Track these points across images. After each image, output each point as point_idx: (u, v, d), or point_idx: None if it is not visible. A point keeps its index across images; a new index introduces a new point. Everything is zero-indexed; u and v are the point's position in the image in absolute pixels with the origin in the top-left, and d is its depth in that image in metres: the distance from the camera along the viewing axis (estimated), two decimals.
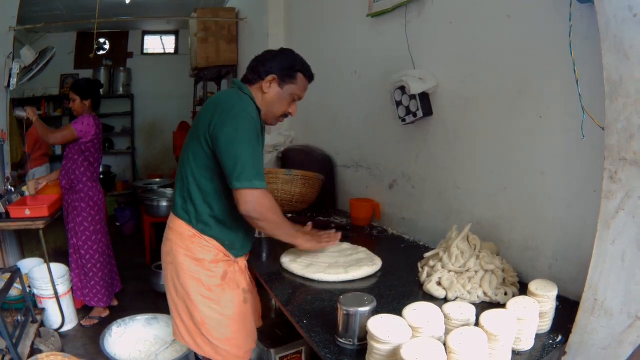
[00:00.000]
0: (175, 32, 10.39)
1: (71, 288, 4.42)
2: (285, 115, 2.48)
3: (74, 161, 4.39)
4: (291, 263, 2.43)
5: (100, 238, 4.55)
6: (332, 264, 2.41)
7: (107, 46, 9.79)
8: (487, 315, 1.59)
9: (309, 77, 2.48)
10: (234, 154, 2.13)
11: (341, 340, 1.69)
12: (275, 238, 2.38)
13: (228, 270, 2.37)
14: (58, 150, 8.96)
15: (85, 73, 9.21)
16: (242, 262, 2.49)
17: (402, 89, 2.83)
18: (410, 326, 1.54)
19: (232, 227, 2.37)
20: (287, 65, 2.39)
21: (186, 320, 2.37)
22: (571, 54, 1.80)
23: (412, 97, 2.78)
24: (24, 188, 4.56)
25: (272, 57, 2.40)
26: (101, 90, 4.95)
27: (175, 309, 2.41)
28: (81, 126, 4.28)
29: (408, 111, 2.86)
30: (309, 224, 2.72)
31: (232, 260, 2.41)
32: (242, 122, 2.18)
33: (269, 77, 2.35)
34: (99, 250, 4.53)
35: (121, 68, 9.94)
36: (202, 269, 2.32)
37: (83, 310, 4.58)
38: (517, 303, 1.71)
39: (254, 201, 2.15)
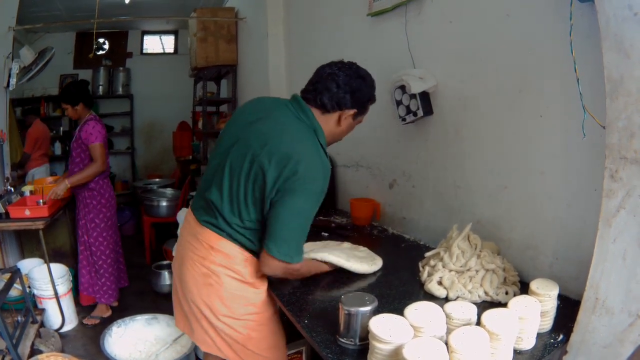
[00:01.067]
0: (174, 32, 10.38)
1: (71, 288, 4.41)
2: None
3: (85, 160, 4.42)
4: None
5: (111, 235, 4.60)
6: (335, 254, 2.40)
7: (106, 46, 9.76)
8: (489, 314, 1.59)
9: (374, 101, 2.32)
10: (290, 226, 2.00)
11: (343, 341, 1.69)
12: None
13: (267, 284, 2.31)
14: (58, 151, 8.98)
15: (85, 73, 9.23)
16: None
17: (403, 88, 2.83)
18: (412, 326, 1.54)
19: None
20: (367, 99, 2.24)
21: (228, 339, 2.23)
22: (572, 52, 1.80)
23: (413, 96, 2.78)
24: (24, 188, 4.56)
25: (357, 89, 2.17)
26: (89, 87, 4.94)
27: (213, 330, 2.23)
28: (97, 135, 4.34)
29: (408, 111, 2.86)
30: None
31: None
32: (314, 201, 2.02)
33: (350, 112, 2.18)
34: (109, 247, 4.57)
35: (121, 68, 9.93)
36: (250, 287, 2.21)
37: (84, 310, 4.59)
38: (518, 302, 1.71)
39: (281, 271, 2.10)
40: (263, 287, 2.25)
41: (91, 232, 4.46)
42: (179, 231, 2.57)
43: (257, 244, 2.15)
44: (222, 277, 2.15)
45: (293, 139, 2.04)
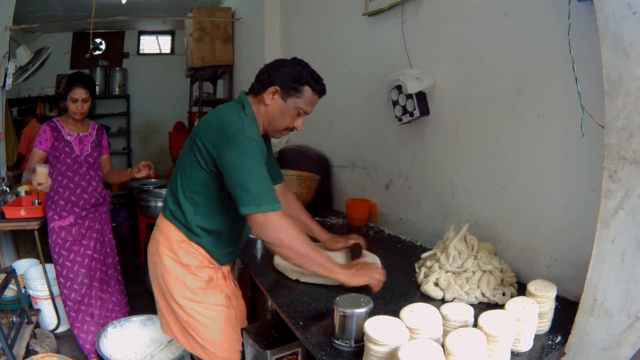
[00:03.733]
0: (171, 33, 10.39)
1: None
2: (290, 129, 2.35)
3: (98, 170, 3.96)
4: (285, 265, 2.41)
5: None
6: None
7: (103, 46, 9.79)
8: (486, 316, 1.58)
9: (319, 91, 2.31)
10: (239, 180, 2.05)
11: (338, 343, 1.68)
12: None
13: (214, 277, 2.39)
14: None
15: None
16: (226, 268, 2.50)
17: (399, 88, 2.83)
18: (408, 328, 1.53)
19: (221, 241, 2.36)
20: (294, 78, 2.24)
21: (172, 318, 2.39)
22: (570, 52, 1.79)
23: (409, 96, 2.78)
24: (19, 188, 4.54)
25: (279, 67, 2.27)
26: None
27: (164, 305, 2.42)
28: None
29: (405, 111, 2.85)
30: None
31: (217, 267, 2.42)
32: (246, 147, 2.08)
33: (271, 89, 2.23)
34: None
35: (117, 68, 9.94)
36: (187, 272, 2.32)
37: None
38: (516, 304, 1.71)
39: (267, 225, 2.04)
40: (202, 275, 2.35)
41: (114, 249, 4.21)
42: None
43: (191, 216, 2.29)
44: (163, 257, 2.34)
45: (219, 112, 2.30)
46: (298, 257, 2.10)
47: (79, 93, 3.65)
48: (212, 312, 2.34)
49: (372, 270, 2.18)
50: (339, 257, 2.57)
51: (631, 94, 1.48)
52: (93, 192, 3.86)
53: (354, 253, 2.52)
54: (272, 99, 2.25)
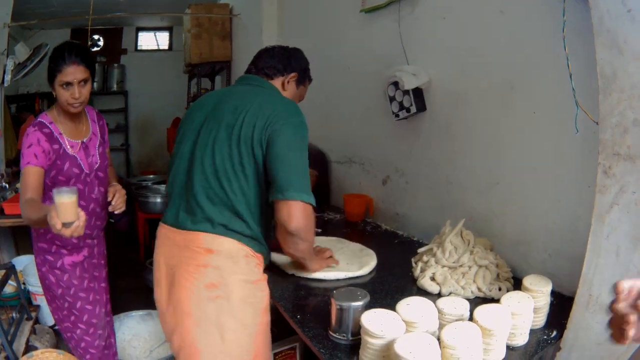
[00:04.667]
0: (169, 29, 10.40)
1: None
2: None
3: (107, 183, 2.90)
4: (283, 260, 2.43)
5: None
6: None
7: (101, 43, 9.81)
8: (482, 310, 1.60)
9: (310, 80, 2.48)
10: (290, 162, 1.93)
11: (335, 336, 1.71)
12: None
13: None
14: None
15: None
16: None
17: (396, 84, 2.84)
18: (404, 321, 1.55)
19: (266, 242, 2.14)
20: (305, 67, 2.37)
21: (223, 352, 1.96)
22: (565, 49, 1.80)
23: (406, 92, 2.79)
24: (19, 185, 4.54)
25: (291, 55, 2.33)
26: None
27: (211, 343, 1.96)
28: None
29: (402, 107, 2.87)
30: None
31: None
32: (303, 131, 2.02)
33: (292, 75, 2.29)
34: None
35: (115, 65, 9.96)
36: (258, 291, 2.03)
37: None
38: (511, 298, 1.72)
39: (304, 217, 1.93)
40: (265, 282, 2.09)
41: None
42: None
43: (252, 223, 2.02)
44: (234, 287, 1.95)
45: (263, 100, 2.07)
46: (308, 252, 2.15)
47: (73, 72, 2.50)
48: (268, 331, 2.11)
49: (325, 254, 2.37)
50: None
51: (625, 91, 1.49)
52: (105, 214, 2.91)
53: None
54: (288, 85, 2.30)
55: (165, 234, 2.15)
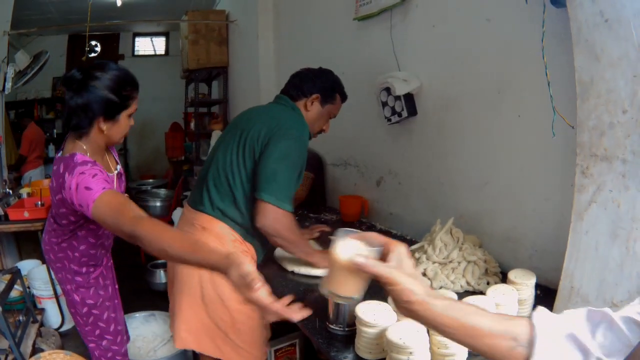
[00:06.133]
0: (165, 34, 10.43)
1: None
2: (320, 132, 2.63)
3: None
4: (285, 258, 2.52)
5: None
6: None
7: (98, 49, 9.82)
8: (467, 300, 1.68)
9: (344, 97, 2.65)
10: (276, 170, 2.19)
11: (332, 327, 1.81)
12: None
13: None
14: (52, 153, 8.92)
15: None
16: None
17: (388, 90, 2.92)
18: (395, 311, 1.64)
19: (265, 241, 2.40)
20: (329, 86, 2.53)
21: (208, 324, 2.30)
22: (543, 58, 1.88)
23: (398, 98, 2.87)
24: (22, 190, 4.60)
25: (315, 77, 2.52)
26: None
27: (198, 314, 2.29)
28: None
29: (394, 111, 2.96)
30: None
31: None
32: (297, 147, 2.28)
33: (314, 96, 2.48)
34: None
35: None
36: None
37: None
38: (496, 290, 1.81)
39: (275, 218, 2.19)
40: None
41: None
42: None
43: (247, 213, 2.32)
44: None
45: (276, 112, 2.45)
46: (289, 245, 2.31)
47: (137, 100, 2.51)
48: (256, 312, 2.24)
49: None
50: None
51: (602, 96, 1.57)
52: None
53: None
54: (312, 105, 2.51)
55: (184, 211, 2.59)
